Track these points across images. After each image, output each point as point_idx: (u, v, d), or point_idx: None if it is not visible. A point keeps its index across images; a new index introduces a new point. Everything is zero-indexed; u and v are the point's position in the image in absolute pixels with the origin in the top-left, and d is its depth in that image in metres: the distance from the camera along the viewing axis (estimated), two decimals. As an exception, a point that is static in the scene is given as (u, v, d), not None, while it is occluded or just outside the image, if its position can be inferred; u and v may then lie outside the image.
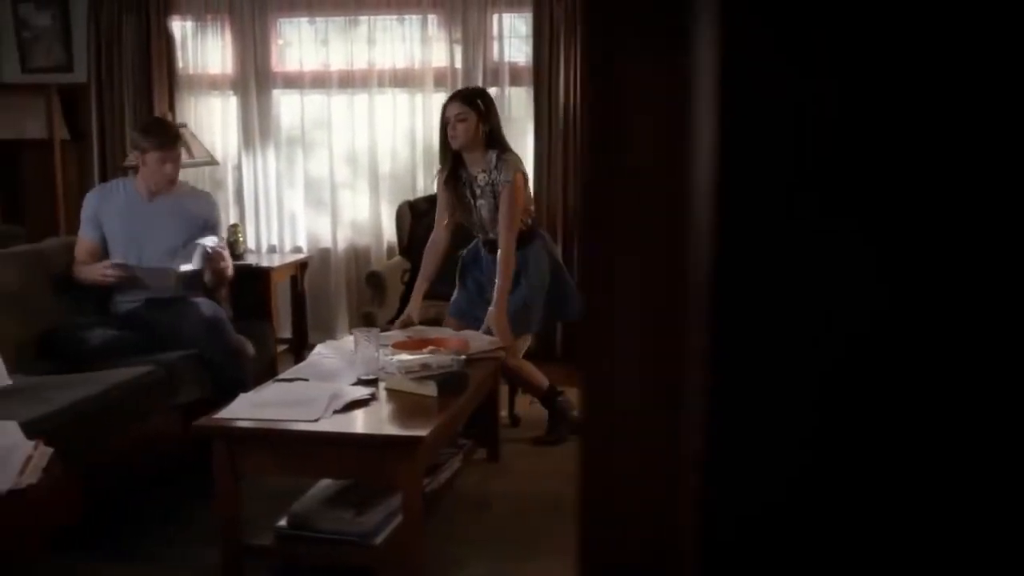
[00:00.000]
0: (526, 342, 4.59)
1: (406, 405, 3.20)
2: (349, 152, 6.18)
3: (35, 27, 6.41)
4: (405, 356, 3.39)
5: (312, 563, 3.14)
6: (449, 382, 3.28)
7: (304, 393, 3.23)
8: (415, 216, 5.29)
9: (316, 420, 2.98)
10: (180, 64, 6.26)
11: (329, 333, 6.12)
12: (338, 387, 3.26)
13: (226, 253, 4.29)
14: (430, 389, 3.23)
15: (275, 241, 6.29)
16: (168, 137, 4.19)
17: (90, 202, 4.33)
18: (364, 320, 4.73)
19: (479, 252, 4.40)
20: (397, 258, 5.22)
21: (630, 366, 0.53)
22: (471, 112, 4.11)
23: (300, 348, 5.40)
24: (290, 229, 6.30)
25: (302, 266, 5.65)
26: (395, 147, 6.13)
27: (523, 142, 6.05)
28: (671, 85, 0.50)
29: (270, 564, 3.21)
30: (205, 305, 4.11)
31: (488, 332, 4.11)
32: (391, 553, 3.01)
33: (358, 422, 3.04)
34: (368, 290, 4.97)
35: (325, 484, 3.40)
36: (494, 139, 4.18)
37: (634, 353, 0.52)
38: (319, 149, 6.24)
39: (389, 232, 6.13)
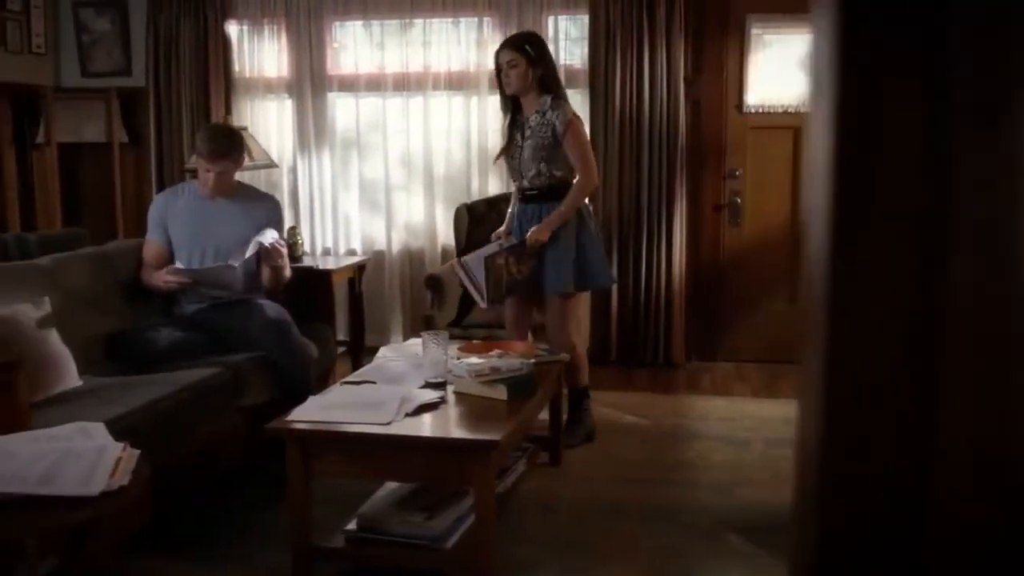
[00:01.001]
0: (576, 308, 4.48)
1: (476, 408, 3.20)
2: (404, 155, 6.19)
3: (95, 31, 6.49)
4: (474, 359, 3.38)
5: (382, 566, 3.14)
6: (519, 385, 3.27)
7: (374, 396, 3.23)
8: (472, 218, 5.30)
9: (388, 423, 2.98)
10: (236, 68, 6.31)
11: (384, 335, 6.14)
12: (407, 390, 3.26)
13: (284, 251, 4.26)
14: (500, 393, 3.23)
15: (329, 244, 6.32)
16: (215, 145, 4.12)
17: (157, 205, 4.36)
18: (424, 323, 4.73)
19: (514, 211, 4.43)
20: (454, 260, 5.21)
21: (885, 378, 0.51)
22: (521, 58, 4.17)
23: (357, 351, 5.41)
24: (344, 231, 6.33)
25: (360, 268, 5.67)
26: (450, 149, 6.14)
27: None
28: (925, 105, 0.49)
29: (339, 566, 3.21)
30: (270, 307, 4.13)
31: (520, 249, 4.18)
32: (462, 556, 3.01)
33: (431, 425, 3.04)
34: (427, 293, 4.97)
35: (391, 487, 3.40)
36: (548, 83, 4.23)
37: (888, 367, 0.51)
38: (374, 152, 6.27)
39: (443, 235, 6.14)
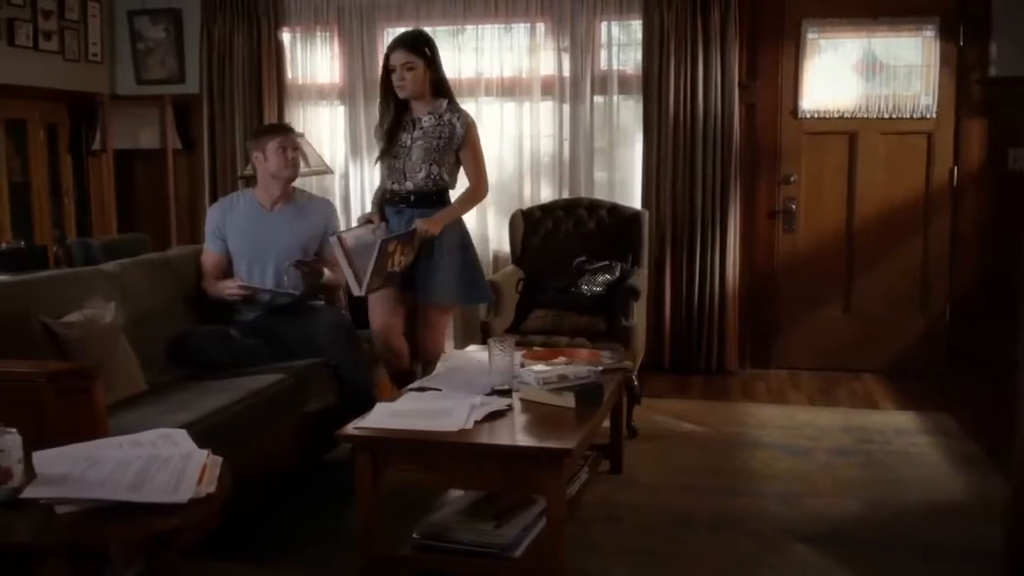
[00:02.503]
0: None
1: (544, 416, 3.17)
2: (455, 161, 6.18)
3: (149, 39, 6.56)
4: (541, 367, 3.36)
5: (450, 574, 3.12)
6: (586, 393, 3.25)
7: (442, 403, 3.22)
8: (528, 225, 5.29)
9: (459, 430, 2.97)
10: (289, 74, 6.35)
11: (435, 341, 6.13)
12: (475, 397, 3.25)
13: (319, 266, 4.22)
14: (568, 400, 3.21)
15: (381, 249, 6.32)
16: (282, 126, 4.44)
17: (213, 215, 4.37)
18: (481, 329, 4.71)
19: (388, 220, 4.15)
20: (510, 267, 5.21)
21: None
22: (419, 60, 3.96)
23: (412, 357, 5.38)
24: (396, 237, 6.33)
25: (414, 274, 5.65)
26: (502, 156, 6.12)
27: (631, 151, 6.02)
28: None
29: (407, 574, 3.19)
30: (331, 313, 4.14)
31: (408, 239, 3.95)
32: (532, 565, 2.99)
33: (501, 433, 3.01)
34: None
35: (456, 495, 3.40)
36: (443, 86, 4.07)
37: None
38: (426, 158, 6.25)
39: (495, 241, 6.14)
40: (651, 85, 5.76)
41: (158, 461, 2.19)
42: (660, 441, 4.56)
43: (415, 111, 4.05)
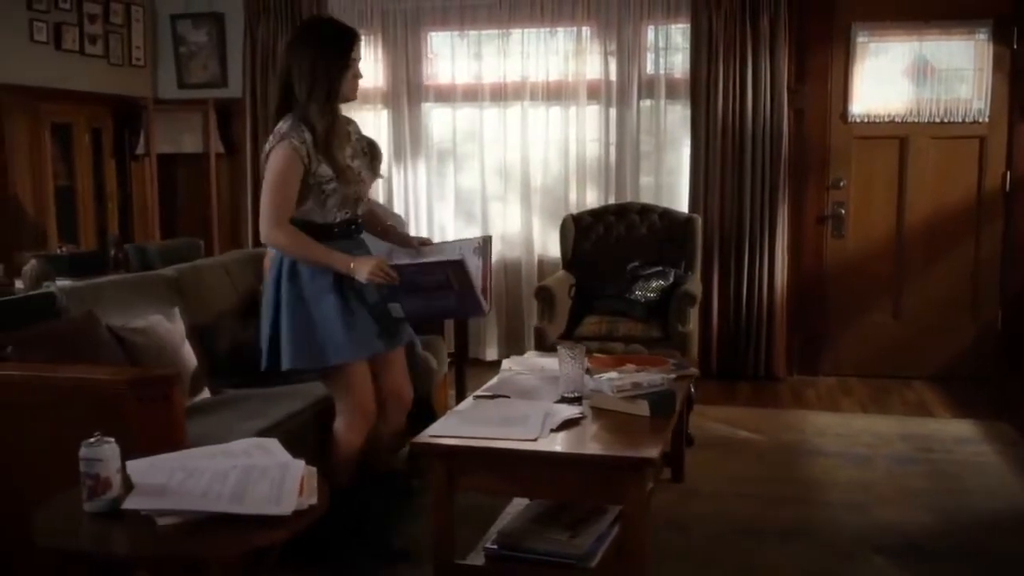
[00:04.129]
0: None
1: (618, 424, 3.12)
2: (500, 165, 6.16)
3: (192, 43, 6.55)
4: (614, 374, 3.32)
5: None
6: (660, 401, 3.20)
7: (514, 411, 3.17)
8: (579, 230, 5.24)
9: (535, 439, 2.92)
10: (332, 78, 6.31)
11: (480, 346, 6.11)
12: (547, 405, 3.20)
13: None
14: (641, 408, 3.16)
15: (424, 254, 6.29)
16: None
17: None
18: (536, 335, 4.67)
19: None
20: (561, 272, 5.16)
21: None
22: None
23: (462, 362, 5.35)
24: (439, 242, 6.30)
25: (464, 279, 5.62)
26: (547, 160, 6.09)
27: (678, 156, 5.97)
28: None
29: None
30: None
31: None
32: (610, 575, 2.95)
33: (579, 442, 2.97)
34: (535, 304, 4.92)
35: (524, 504, 3.35)
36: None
37: None
38: (470, 162, 6.24)
39: (539, 245, 6.10)
40: (699, 89, 5.71)
41: (256, 471, 2.15)
42: (717, 449, 4.51)
43: (339, 124, 3.15)
